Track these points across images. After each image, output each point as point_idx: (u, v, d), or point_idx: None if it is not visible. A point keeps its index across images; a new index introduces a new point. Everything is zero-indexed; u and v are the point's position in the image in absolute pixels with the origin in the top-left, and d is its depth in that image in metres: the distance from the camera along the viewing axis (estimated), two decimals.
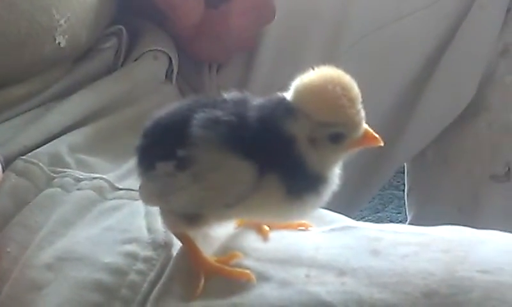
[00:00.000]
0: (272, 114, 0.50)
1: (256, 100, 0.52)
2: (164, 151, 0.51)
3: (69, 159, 0.68)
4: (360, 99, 0.50)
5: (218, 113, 0.50)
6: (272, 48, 0.92)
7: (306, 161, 0.50)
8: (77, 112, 0.73)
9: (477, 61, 0.96)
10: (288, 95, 0.51)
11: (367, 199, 1.05)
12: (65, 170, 0.67)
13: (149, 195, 0.54)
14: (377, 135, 0.51)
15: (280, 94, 0.51)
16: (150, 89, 0.82)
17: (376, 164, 0.99)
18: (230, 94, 0.53)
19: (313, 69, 0.50)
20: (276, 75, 0.89)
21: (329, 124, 0.49)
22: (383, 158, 0.98)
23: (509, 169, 0.99)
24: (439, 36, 0.94)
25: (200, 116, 0.50)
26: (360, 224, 0.58)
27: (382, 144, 0.51)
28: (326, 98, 0.49)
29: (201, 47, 0.89)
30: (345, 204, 0.84)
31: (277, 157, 0.50)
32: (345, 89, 0.49)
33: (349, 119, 0.49)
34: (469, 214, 0.99)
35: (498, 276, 0.49)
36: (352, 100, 0.49)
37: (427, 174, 1.05)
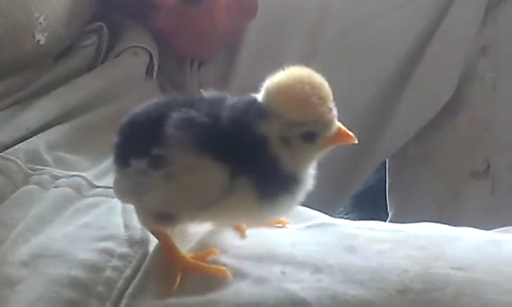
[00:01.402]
0: (243, 115, 0.50)
1: (230, 101, 0.52)
2: (139, 149, 0.51)
3: (47, 156, 0.68)
4: (331, 97, 0.50)
5: (193, 114, 0.50)
6: (253, 44, 0.92)
7: (279, 162, 0.50)
8: (55, 109, 0.73)
9: (457, 58, 0.96)
10: (260, 96, 0.50)
11: (348, 197, 1.05)
12: (43, 167, 0.67)
13: (123, 191, 0.54)
14: (350, 133, 0.51)
15: (251, 95, 0.51)
16: (130, 85, 0.82)
17: (356, 161, 0.99)
18: (208, 93, 0.53)
19: (283, 70, 0.50)
20: (258, 71, 0.89)
21: (300, 123, 0.49)
22: (363, 155, 0.99)
23: (488, 165, 0.99)
24: (419, 33, 0.95)
25: (175, 116, 0.50)
26: (337, 221, 0.58)
27: (356, 141, 0.51)
28: (296, 97, 0.49)
29: (183, 43, 0.89)
30: (325, 202, 0.85)
31: (249, 159, 0.49)
32: (315, 87, 0.49)
33: (320, 117, 0.49)
34: (449, 211, 1.00)
35: (472, 273, 0.49)
36: (322, 98, 0.49)
37: (407, 172, 1.06)
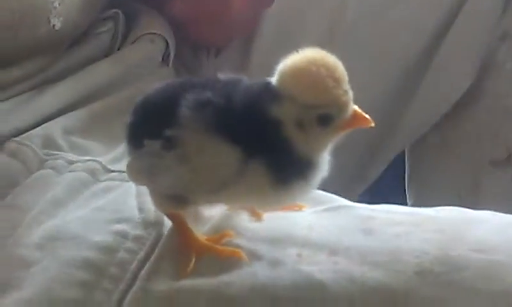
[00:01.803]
0: (257, 98, 0.49)
1: (245, 84, 0.51)
2: (152, 130, 0.50)
3: (62, 142, 0.68)
4: (346, 79, 0.49)
5: (207, 95, 0.49)
6: (271, 33, 0.91)
7: (293, 146, 0.49)
8: (71, 95, 0.73)
9: (476, 46, 0.95)
10: (274, 79, 0.49)
11: (365, 185, 1.04)
12: (58, 153, 0.66)
13: (136, 173, 0.54)
14: (367, 116, 0.50)
15: (265, 78, 0.50)
16: (146, 72, 0.81)
17: (375, 149, 0.98)
18: (223, 76, 0.52)
19: (297, 52, 0.49)
20: (275, 58, 0.89)
21: (315, 106, 0.48)
22: (382, 143, 0.98)
23: (509, 154, 0.98)
24: (438, 20, 0.93)
25: (189, 97, 0.49)
26: (353, 204, 0.58)
27: (372, 124, 0.49)
28: (311, 79, 0.48)
29: (200, 30, 0.89)
30: (342, 190, 0.84)
31: (263, 142, 0.48)
32: (329, 69, 0.48)
33: (336, 100, 0.48)
34: (469, 200, 0.99)
35: (492, 255, 0.48)
36: (337, 80, 0.48)
37: (426, 161, 1.05)
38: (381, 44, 0.92)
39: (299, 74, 0.48)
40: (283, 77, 0.49)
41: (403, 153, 1.06)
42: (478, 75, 0.96)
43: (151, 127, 0.51)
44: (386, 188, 1.16)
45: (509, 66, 0.95)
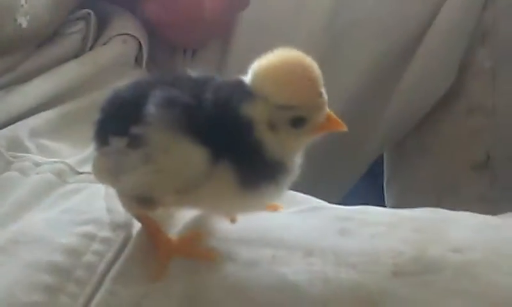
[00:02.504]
0: (228, 97, 0.47)
1: (217, 82, 0.49)
2: (119, 127, 0.48)
3: (29, 144, 0.66)
4: (321, 82, 0.47)
5: (175, 93, 0.47)
6: (248, 33, 0.90)
7: (264, 148, 0.47)
8: (39, 95, 0.71)
9: (456, 46, 0.94)
10: (247, 78, 0.47)
11: (345, 190, 1.03)
12: (25, 155, 0.64)
13: (101, 172, 0.52)
14: (340, 120, 0.48)
15: (238, 77, 0.48)
16: (118, 73, 0.79)
17: (354, 153, 0.97)
18: (194, 73, 0.50)
19: (271, 51, 0.47)
20: (252, 60, 0.87)
21: (288, 107, 0.46)
22: (360, 146, 0.97)
23: (488, 157, 0.97)
24: (417, 20, 0.92)
25: (157, 94, 0.47)
26: (329, 205, 0.56)
27: (346, 129, 0.48)
28: (285, 79, 0.46)
29: (174, 33, 0.87)
30: (321, 195, 0.83)
31: (232, 143, 0.46)
32: (305, 70, 0.46)
33: (310, 102, 0.46)
34: (448, 203, 0.97)
35: (470, 255, 0.47)
36: (312, 82, 0.46)
37: (405, 164, 1.04)
38: (359, 42, 0.91)
39: (274, 74, 0.47)
40: (257, 76, 0.47)
41: (381, 157, 1.06)
42: (456, 76, 0.95)
43: (117, 124, 0.49)
44: (364, 193, 1.15)
45: (488, 66, 0.95)
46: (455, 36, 0.94)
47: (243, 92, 0.47)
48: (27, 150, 0.65)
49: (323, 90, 0.47)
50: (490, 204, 0.95)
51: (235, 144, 0.46)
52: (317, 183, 0.53)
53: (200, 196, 0.47)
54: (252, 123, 0.46)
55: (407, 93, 0.95)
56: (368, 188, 1.13)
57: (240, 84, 0.47)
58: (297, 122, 0.47)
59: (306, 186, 0.58)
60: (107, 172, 0.50)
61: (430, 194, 1.00)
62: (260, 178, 0.47)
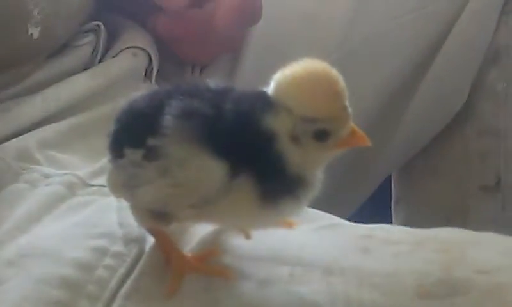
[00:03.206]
0: (249, 108, 0.45)
1: (237, 93, 0.47)
2: (134, 138, 0.47)
3: (38, 155, 0.65)
4: (346, 95, 0.45)
5: (194, 103, 0.45)
6: (258, 49, 0.89)
7: (285, 161, 0.45)
8: (49, 107, 0.70)
9: (468, 67, 0.93)
10: (269, 89, 0.46)
11: (352, 209, 1.01)
12: (34, 166, 0.63)
13: (116, 185, 0.50)
14: (364, 135, 0.46)
15: (259, 88, 0.47)
16: (128, 86, 0.78)
17: (363, 172, 0.96)
18: (213, 83, 0.49)
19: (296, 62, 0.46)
20: (262, 76, 0.87)
21: (313, 120, 0.45)
22: (370, 166, 0.95)
23: (499, 179, 0.96)
24: (429, 40, 0.92)
25: (174, 104, 0.45)
26: (347, 222, 0.55)
27: (370, 144, 0.46)
28: (310, 91, 0.45)
29: (184, 48, 0.86)
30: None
31: (253, 155, 0.45)
32: (330, 82, 0.45)
33: (335, 115, 0.45)
34: (458, 226, 0.96)
35: (496, 277, 0.46)
36: (338, 95, 0.45)
37: (414, 185, 1.03)
38: (371, 62, 0.90)
39: (299, 84, 0.45)
40: (281, 86, 0.45)
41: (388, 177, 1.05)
42: (468, 97, 0.94)
43: (133, 135, 0.47)
44: (371, 213, 1.14)
45: (500, 88, 0.94)
46: (467, 57, 0.93)
47: (265, 103, 0.45)
48: (36, 162, 0.64)
49: (347, 104, 0.45)
50: (501, 228, 0.94)
51: (256, 157, 0.45)
52: (324, 202, 0.52)
53: (217, 210, 0.46)
54: (274, 135, 0.45)
55: (418, 113, 0.94)
56: (375, 209, 1.12)
57: (262, 94, 0.46)
58: (321, 135, 0.45)
59: (314, 203, 0.57)
60: (122, 185, 0.48)
61: (439, 216, 0.99)
62: (280, 192, 0.46)
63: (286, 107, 0.45)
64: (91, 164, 0.65)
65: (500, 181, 0.96)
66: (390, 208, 1.06)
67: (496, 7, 0.93)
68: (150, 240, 0.51)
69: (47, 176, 0.62)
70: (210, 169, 0.44)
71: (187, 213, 0.47)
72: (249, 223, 0.49)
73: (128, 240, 0.52)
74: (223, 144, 0.44)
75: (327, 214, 0.57)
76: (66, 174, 0.62)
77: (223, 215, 0.47)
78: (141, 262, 0.50)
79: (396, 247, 0.49)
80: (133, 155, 0.47)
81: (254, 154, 0.45)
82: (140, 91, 0.76)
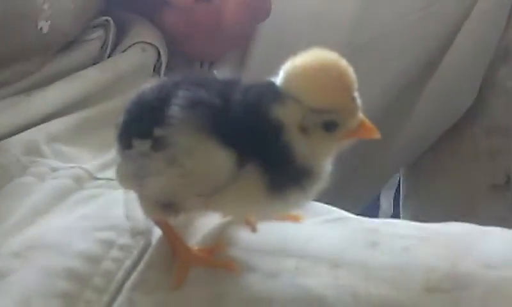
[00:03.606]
0: (257, 98, 0.45)
1: (245, 84, 0.47)
2: (142, 129, 0.47)
3: (46, 149, 0.65)
4: (355, 86, 0.45)
5: (201, 93, 0.45)
6: (266, 46, 0.89)
7: (293, 152, 0.45)
8: (58, 101, 0.70)
9: (477, 65, 0.93)
10: (278, 80, 0.46)
11: (361, 205, 1.01)
12: (41, 159, 0.63)
13: (124, 175, 0.50)
14: (373, 127, 0.46)
15: (267, 79, 0.47)
16: (137, 81, 0.78)
17: (373, 168, 0.96)
18: (221, 75, 0.49)
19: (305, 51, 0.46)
20: (270, 72, 0.87)
21: (322, 110, 0.45)
22: (380, 162, 0.95)
23: (508, 178, 0.96)
24: (438, 39, 0.91)
25: (181, 94, 0.46)
26: (353, 216, 0.55)
27: (379, 136, 0.46)
28: (319, 81, 0.44)
29: (193, 45, 0.86)
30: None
31: (260, 145, 0.45)
32: (340, 73, 0.44)
33: (343, 106, 0.45)
34: (466, 222, 0.96)
35: (503, 271, 0.45)
36: (347, 86, 0.45)
37: (423, 182, 1.02)
38: (381, 59, 0.90)
39: (307, 75, 0.45)
40: (290, 77, 0.45)
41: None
42: (477, 95, 0.94)
43: (141, 126, 0.47)
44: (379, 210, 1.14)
45: (510, 86, 0.93)
46: (476, 55, 0.93)
47: (274, 93, 0.45)
48: (44, 155, 0.64)
49: (357, 95, 0.45)
50: (510, 226, 0.93)
51: (264, 147, 0.45)
52: (332, 198, 0.52)
53: (224, 199, 0.46)
54: (282, 125, 0.45)
55: (427, 110, 0.94)
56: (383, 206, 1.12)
57: (271, 85, 0.46)
58: (330, 126, 0.45)
59: (322, 199, 0.56)
60: (131, 176, 0.48)
61: (448, 213, 0.99)
62: (287, 182, 0.46)
63: (295, 98, 0.45)
64: (99, 156, 0.65)
65: (509, 180, 0.96)
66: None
67: (506, 5, 0.92)
68: (157, 232, 0.51)
69: (54, 169, 0.62)
70: (218, 158, 0.44)
71: (195, 203, 0.47)
72: (256, 212, 0.50)
73: (135, 233, 0.52)
74: (230, 134, 0.45)
75: (334, 208, 0.56)
76: (73, 167, 0.62)
77: (230, 204, 0.47)
78: (148, 254, 0.50)
79: (403, 241, 0.49)
80: (141, 145, 0.47)
81: (262, 144, 0.45)
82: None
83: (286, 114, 0.45)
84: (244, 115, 0.45)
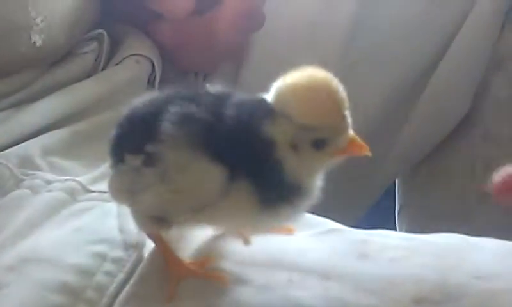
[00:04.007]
0: (249, 114, 0.46)
1: (236, 98, 0.47)
2: (134, 144, 0.47)
3: (41, 162, 0.65)
4: (346, 104, 0.46)
5: (192, 109, 0.46)
6: (261, 56, 0.89)
7: (283, 168, 0.45)
8: (52, 114, 0.70)
9: (471, 74, 0.93)
10: (269, 96, 0.46)
11: (357, 217, 1.01)
12: (36, 172, 0.63)
13: (117, 190, 0.50)
14: (364, 144, 0.47)
15: (259, 95, 0.47)
16: (130, 93, 0.78)
17: (368, 179, 0.96)
18: (214, 88, 0.49)
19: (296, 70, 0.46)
20: (265, 82, 0.87)
21: (312, 128, 0.45)
22: (375, 173, 0.95)
23: None
24: (433, 47, 0.92)
25: (173, 110, 0.46)
26: (345, 227, 0.55)
27: (369, 153, 0.47)
28: (309, 99, 0.45)
29: (187, 57, 0.87)
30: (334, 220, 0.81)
31: (251, 162, 0.45)
32: (330, 91, 0.45)
33: (333, 123, 0.45)
34: (461, 232, 0.96)
35: (493, 283, 0.46)
36: (337, 104, 0.45)
37: (418, 191, 1.02)
38: (376, 68, 0.90)
39: (298, 93, 0.45)
40: (281, 94, 0.46)
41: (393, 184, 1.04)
42: (472, 104, 0.94)
43: (133, 141, 0.48)
44: (375, 220, 1.14)
45: (504, 95, 0.94)
46: (470, 63, 0.93)
47: (265, 110, 0.45)
48: (38, 168, 0.64)
49: (347, 113, 0.46)
50: (504, 236, 0.94)
51: (254, 163, 0.45)
52: (329, 209, 0.52)
53: (215, 213, 0.46)
54: (273, 142, 0.45)
55: (421, 120, 0.94)
56: (379, 217, 1.12)
57: (262, 101, 0.46)
58: (319, 144, 0.46)
59: (319, 210, 0.57)
60: (123, 191, 0.49)
61: (442, 222, 0.99)
62: (277, 198, 0.46)
63: (285, 115, 0.45)
64: (93, 169, 0.66)
65: None
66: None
67: (500, 14, 0.92)
68: (149, 245, 0.52)
69: (48, 182, 0.62)
70: (209, 174, 0.45)
71: (187, 218, 0.47)
72: (248, 227, 0.50)
73: (128, 246, 0.52)
74: (221, 150, 0.45)
75: (326, 220, 0.57)
76: (67, 180, 0.62)
77: (222, 219, 0.47)
78: (140, 268, 0.50)
79: (393, 252, 0.49)
80: (133, 160, 0.47)
81: (253, 160, 0.45)
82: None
83: (277, 132, 0.45)
84: (236, 131, 0.45)
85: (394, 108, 0.93)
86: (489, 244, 0.51)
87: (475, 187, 0.96)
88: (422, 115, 0.94)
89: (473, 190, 0.97)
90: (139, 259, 0.51)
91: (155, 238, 0.50)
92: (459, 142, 0.97)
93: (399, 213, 1.04)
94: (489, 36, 0.92)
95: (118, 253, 0.51)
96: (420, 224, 1.01)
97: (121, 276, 0.50)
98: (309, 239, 0.53)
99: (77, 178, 0.62)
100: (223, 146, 0.45)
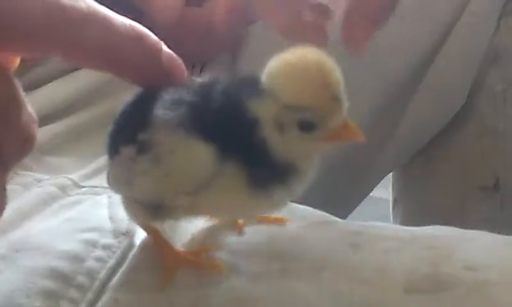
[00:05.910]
0: (236, 93, 0.44)
1: (229, 79, 0.46)
2: (127, 136, 0.47)
3: (32, 162, 0.64)
4: (340, 87, 0.43)
5: (181, 94, 0.45)
6: (258, 46, 0.89)
7: (270, 148, 0.44)
8: (45, 107, 0.70)
9: (467, 68, 0.93)
10: (263, 76, 0.45)
11: (351, 209, 1.01)
12: (27, 172, 0.63)
13: (114, 181, 0.50)
14: (358, 130, 0.44)
15: (252, 74, 0.45)
16: (126, 84, 0.78)
17: (362, 171, 0.96)
18: (203, 77, 0.49)
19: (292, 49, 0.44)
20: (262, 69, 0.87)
21: (296, 108, 0.43)
22: (370, 165, 0.95)
23: (497, 180, 0.96)
24: (429, 41, 0.92)
25: (163, 98, 0.45)
26: (340, 219, 0.55)
27: (363, 139, 0.44)
28: (297, 78, 0.43)
29: (184, 47, 0.86)
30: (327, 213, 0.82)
31: (238, 141, 0.44)
32: (322, 71, 0.43)
33: (321, 105, 0.43)
34: (456, 226, 0.96)
35: (484, 273, 0.46)
36: (328, 85, 0.43)
37: (413, 185, 1.03)
38: (371, 61, 0.90)
39: (286, 70, 0.43)
40: (270, 72, 0.44)
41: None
42: (467, 97, 0.94)
43: (126, 133, 0.48)
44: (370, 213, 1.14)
45: (499, 89, 0.94)
46: (466, 58, 0.93)
47: (254, 89, 0.44)
48: (28, 168, 0.64)
49: (342, 96, 0.44)
50: (498, 228, 0.94)
51: (240, 141, 0.44)
52: (323, 201, 0.52)
53: (209, 195, 0.45)
54: (257, 120, 0.44)
55: (417, 113, 0.94)
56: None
57: (254, 80, 0.45)
58: (306, 126, 0.44)
59: (313, 203, 0.57)
60: (121, 181, 0.48)
61: (437, 216, 0.99)
62: (268, 178, 0.45)
63: (272, 93, 0.44)
64: (86, 165, 0.65)
65: (498, 182, 0.96)
66: None
67: (496, 8, 0.93)
68: (140, 234, 0.52)
69: (39, 180, 0.62)
70: (198, 154, 0.44)
71: (181, 202, 0.46)
72: (241, 210, 0.49)
73: (118, 233, 0.52)
74: (209, 129, 0.44)
75: (319, 211, 0.57)
76: (58, 177, 0.62)
77: (215, 201, 0.46)
78: (133, 255, 0.50)
79: (386, 243, 0.49)
80: (127, 150, 0.47)
81: (240, 140, 0.44)
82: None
83: (261, 110, 0.44)
84: (223, 110, 0.44)
85: (389, 101, 0.93)
86: (481, 237, 0.52)
87: (471, 181, 0.97)
88: (418, 108, 0.94)
89: (468, 182, 0.97)
90: (129, 246, 0.51)
91: (148, 229, 0.50)
92: (454, 136, 0.97)
93: (393, 207, 1.05)
94: (485, 30, 0.92)
95: (109, 240, 0.51)
96: (415, 218, 1.02)
97: (112, 262, 0.50)
98: (302, 230, 0.53)
99: (68, 176, 0.62)
100: (212, 125, 0.44)
